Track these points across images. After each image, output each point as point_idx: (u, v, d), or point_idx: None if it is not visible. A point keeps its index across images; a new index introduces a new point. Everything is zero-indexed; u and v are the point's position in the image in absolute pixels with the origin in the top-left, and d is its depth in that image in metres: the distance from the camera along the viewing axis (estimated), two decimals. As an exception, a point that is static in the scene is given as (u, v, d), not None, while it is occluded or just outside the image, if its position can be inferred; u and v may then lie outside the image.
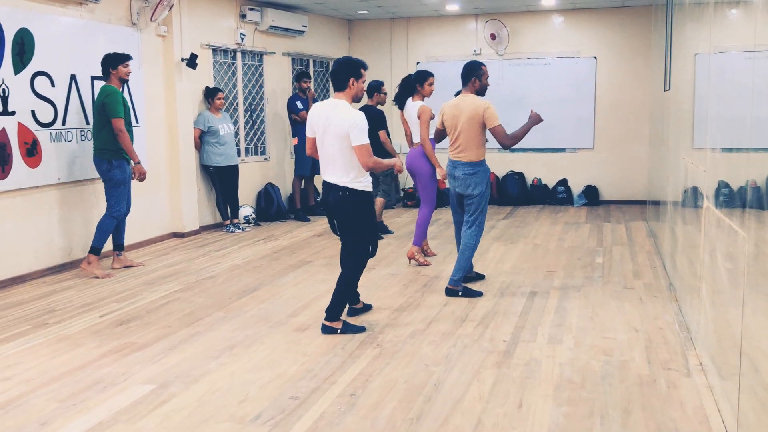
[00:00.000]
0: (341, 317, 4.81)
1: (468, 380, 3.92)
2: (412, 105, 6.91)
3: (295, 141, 9.74)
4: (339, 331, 4.73)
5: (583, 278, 6.26)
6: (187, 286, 6.15)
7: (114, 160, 6.51)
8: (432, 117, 6.73)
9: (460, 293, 5.62)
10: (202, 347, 4.54)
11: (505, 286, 6.00)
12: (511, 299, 5.59)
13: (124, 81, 6.63)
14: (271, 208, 9.79)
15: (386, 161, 4.72)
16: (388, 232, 8.51)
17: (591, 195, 11.05)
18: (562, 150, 11.27)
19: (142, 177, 6.73)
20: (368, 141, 4.48)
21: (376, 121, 7.78)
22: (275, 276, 6.47)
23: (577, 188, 11.22)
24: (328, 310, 4.78)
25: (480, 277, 6.18)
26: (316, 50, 11.09)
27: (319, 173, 10.13)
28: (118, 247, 6.89)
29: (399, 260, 7.05)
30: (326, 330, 4.74)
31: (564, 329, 4.81)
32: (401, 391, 3.79)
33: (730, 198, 3.78)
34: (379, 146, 7.67)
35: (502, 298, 5.64)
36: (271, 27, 9.69)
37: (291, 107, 9.68)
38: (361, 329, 4.79)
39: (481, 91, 5.70)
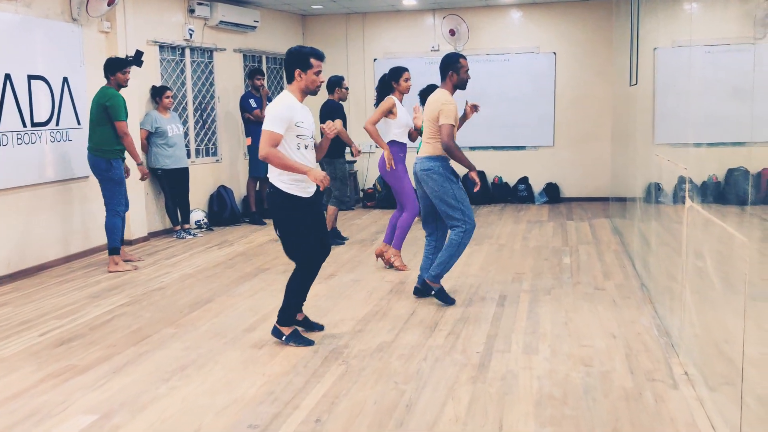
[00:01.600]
0: (293, 324, 4.54)
1: (442, 399, 3.63)
2: None
3: (248, 141, 9.35)
4: (284, 338, 4.46)
5: (552, 280, 6.03)
6: (134, 299, 5.72)
7: (113, 159, 6.66)
8: (394, 111, 6.42)
9: (433, 293, 5.32)
10: (151, 369, 4.16)
11: (474, 290, 5.73)
12: (481, 305, 5.32)
13: (121, 86, 6.81)
14: (225, 211, 9.38)
15: (290, 162, 4.16)
16: (342, 239, 8.09)
17: (552, 193, 10.89)
18: (523, 148, 11.08)
19: (144, 177, 7.04)
20: (273, 130, 4.13)
21: (334, 113, 7.50)
22: (230, 286, 6.09)
23: (537, 186, 11.05)
24: (279, 312, 4.53)
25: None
26: (269, 46, 10.68)
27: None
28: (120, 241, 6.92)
29: (361, 266, 6.73)
30: (274, 332, 4.53)
31: (538, 337, 4.56)
32: (370, 414, 3.47)
33: (719, 195, 3.57)
34: (335, 139, 7.39)
35: (472, 304, 5.36)
36: (222, 22, 9.27)
37: (244, 106, 9.29)
38: (309, 342, 4.46)
39: (460, 85, 5.33)
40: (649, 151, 5.63)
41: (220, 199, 9.41)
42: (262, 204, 9.60)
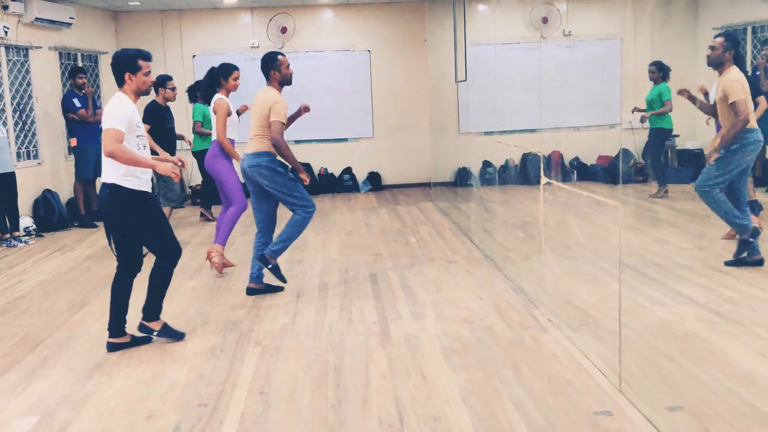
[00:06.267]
0: (159, 318, 4.59)
1: (364, 362, 4.08)
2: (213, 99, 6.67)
3: (74, 142, 9.00)
4: (156, 333, 4.53)
5: (409, 257, 6.67)
6: None
7: None
8: (229, 111, 6.52)
9: (269, 266, 5.50)
10: (64, 371, 4.15)
11: (344, 270, 6.20)
12: (357, 283, 5.81)
13: None
14: (53, 216, 8.97)
15: (138, 157, 4.21)
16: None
17: (375, 181, 11.64)
18: (345, 140, 11.71)
19: None
20: (117, 127, 4.14)
21: (158, 116, 7.49)
22: (98, 288, 6.01)
23: (361, 175, 11.74)
24: (144, 309, 4.55)
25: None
26: (84, 44, 10.28)
27: (101, 175, 9.54)
28: None
29: (201, 270, 6.57)
30: (142, 329, 4.54)
31: (420, 305, 5.15)
32: (307, 382, 3.83)
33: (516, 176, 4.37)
34: (164, 141, 7.44)
35: (349, 283, 5.83)
36: (37, 19, 8.82)
37: (68, 106, 8.94)
38: (180, 336, 4.59)
39: (284, 82, 5.57)
40: (496, 138, 6.44)
41: (46, 204, 8.98)
42: (91, 206, 9.32)
